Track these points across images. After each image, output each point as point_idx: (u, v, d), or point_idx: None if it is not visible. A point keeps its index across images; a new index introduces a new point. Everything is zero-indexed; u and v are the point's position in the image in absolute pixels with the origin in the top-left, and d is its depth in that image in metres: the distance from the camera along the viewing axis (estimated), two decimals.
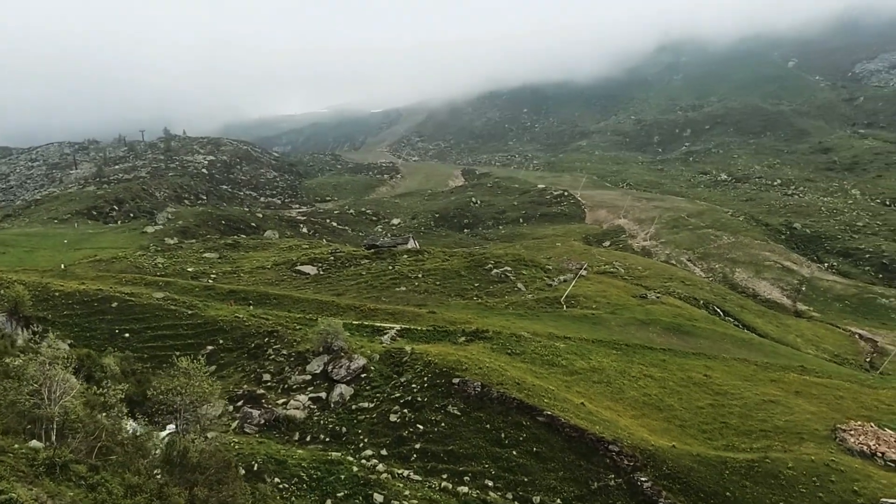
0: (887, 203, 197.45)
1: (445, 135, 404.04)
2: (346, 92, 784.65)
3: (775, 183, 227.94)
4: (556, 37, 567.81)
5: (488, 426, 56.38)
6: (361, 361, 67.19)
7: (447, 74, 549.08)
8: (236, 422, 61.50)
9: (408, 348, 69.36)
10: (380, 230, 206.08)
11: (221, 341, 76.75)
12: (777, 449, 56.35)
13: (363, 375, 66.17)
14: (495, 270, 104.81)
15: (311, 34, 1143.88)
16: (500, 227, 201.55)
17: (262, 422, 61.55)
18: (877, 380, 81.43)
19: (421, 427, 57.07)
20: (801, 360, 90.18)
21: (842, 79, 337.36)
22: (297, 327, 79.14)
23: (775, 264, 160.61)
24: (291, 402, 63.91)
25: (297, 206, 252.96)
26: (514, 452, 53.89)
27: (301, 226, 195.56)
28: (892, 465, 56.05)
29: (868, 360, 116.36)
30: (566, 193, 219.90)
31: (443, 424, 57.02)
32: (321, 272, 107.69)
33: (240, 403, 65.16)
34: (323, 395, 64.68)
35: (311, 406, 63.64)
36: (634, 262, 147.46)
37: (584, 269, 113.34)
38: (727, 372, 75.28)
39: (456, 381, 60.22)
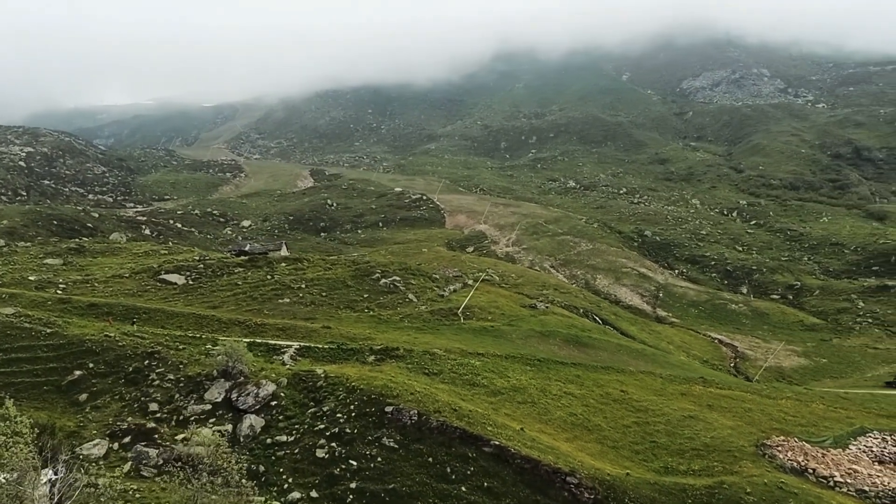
0: (724, 213, 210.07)
1: (287, 133, 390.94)
2: (172, 84, 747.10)
3: (621, 191, 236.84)
4: (394, 38, 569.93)
5: (430, 459, 51.31)
6: (270, 388, 59.95)
7: (282, 70, 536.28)
8: (129, 463, 52.79)
9: (319, 371, 62.88)
10: (229, 232, 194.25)
11: (91, 365, 66.48)
12: (718, 470, 55.26)
13: (273, 403, 59.01)
14: (384, 280, 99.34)
15: (130, 22, 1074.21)
16: (360, 231, 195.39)
17: (161, 462, 52.99)
18: (771, 389, 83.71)
19: (354, 463, 51.06)
20: (692, 370, 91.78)
21: (671, 94, 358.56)
22: (181, 347, 70.25)
23: (632, 271, 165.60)
24: (194, 437, 55.65)
25: (133, 204, 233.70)
26: (464, 489, 49.17)
27: (143, 227, 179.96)
28: (824, 481, 56.42)
29: (732, 364, 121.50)
30: (424, 197, 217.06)
31: (379, 459, 51.30)
32: (190, 282, 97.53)
33: (126, 440, 56.13)
34: (229, 427, 56.91)
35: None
36: (506, 269, 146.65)
37: (479, 279, 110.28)
38: (640, 386, 74.43)
39: (389, 409, 54.63)
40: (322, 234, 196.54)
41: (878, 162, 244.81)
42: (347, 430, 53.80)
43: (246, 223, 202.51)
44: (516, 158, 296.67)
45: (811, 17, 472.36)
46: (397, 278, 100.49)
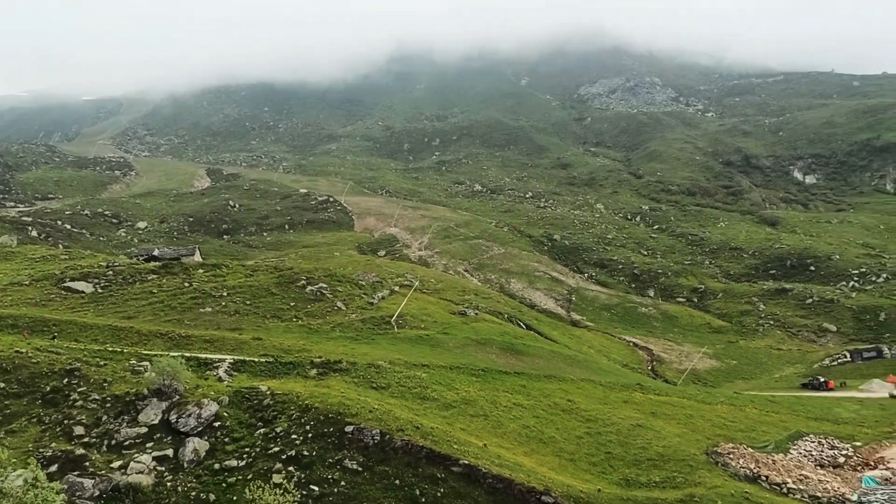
0: (628, 217, 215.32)
1: (178, 129, 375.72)
2: (48, 75, 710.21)
3: (527, 195, 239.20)
4: (289, 36, 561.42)
5: (398, 482, 48.57)
6: (213, 408, 55.53)
7: (167, 63, 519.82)
8: (61, 496, 47.42)
9: (263, 387, 58.84)
10: (124, 234, 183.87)
11: (2, 384, 59.98)
12: (680, 481, 55.03)
13: (217, 425, 54.63)
14: (310, 287, 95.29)
15: None
16: (265, 234, 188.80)
17: (98, 493, 47.92)
18: (705, 395, 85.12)
19: (316, 489, 47.67)
20: (625, 376, 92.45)
21: (569, 99, 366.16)
22: (102, 363, 64.39)
23: (545, 275, 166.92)
24: (132, 463, 50.62)
25: (13, 203, 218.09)
26: None
27: (29, 228, 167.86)
28: (777, 488, 57.10)
29: (650, 367, 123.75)
30: (331, 199, 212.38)
31: (343, 484, 48.14)
32: (99, 290, 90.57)
33: (53, 469, 50.58)
34: (170, 452, 52.16)
35: (159, 468, 51.01)
36: (424, 273, 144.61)
37: (404, 285, 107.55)
38: (584, 395, 74.00)
39: (349, 429, 51.49)
40: (225, 236, 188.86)
41: (765, 170, 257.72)
42: (305, 453, 50.32)
43: (142, 225, 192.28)
44: (420, 160, 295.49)
45: (691, 29, 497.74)
46: (324, 285, 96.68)
